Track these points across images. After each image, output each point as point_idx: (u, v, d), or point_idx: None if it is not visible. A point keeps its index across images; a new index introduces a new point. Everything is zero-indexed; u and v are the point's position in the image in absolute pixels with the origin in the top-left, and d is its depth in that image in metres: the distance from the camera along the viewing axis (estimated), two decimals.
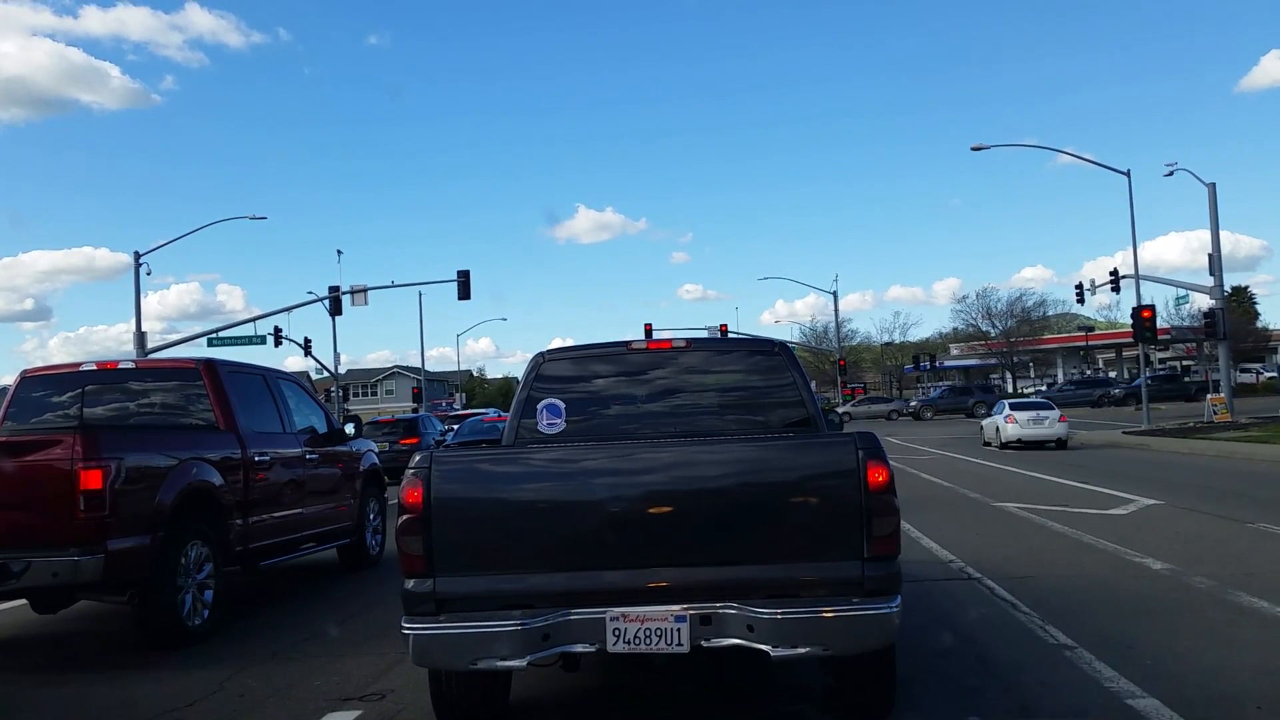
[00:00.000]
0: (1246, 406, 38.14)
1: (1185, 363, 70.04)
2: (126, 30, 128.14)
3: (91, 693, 5.97)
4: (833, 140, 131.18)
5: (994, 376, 72.91)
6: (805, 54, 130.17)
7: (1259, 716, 4.72)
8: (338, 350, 72.59)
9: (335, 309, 39.84)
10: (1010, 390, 61.95)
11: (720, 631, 4.14)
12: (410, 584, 4.28)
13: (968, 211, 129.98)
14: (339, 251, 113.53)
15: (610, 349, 5.96)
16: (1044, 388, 61.78)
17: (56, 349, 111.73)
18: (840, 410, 43.60)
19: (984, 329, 71.09)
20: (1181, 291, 39.21)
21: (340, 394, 55.72)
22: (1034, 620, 6.68)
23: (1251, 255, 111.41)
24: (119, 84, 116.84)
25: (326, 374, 51.92)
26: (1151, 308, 33.58)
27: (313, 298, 40.40)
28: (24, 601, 7.29)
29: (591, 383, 5.87)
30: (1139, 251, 34.68)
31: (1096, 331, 69.82)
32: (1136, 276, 34.44)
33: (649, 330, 51.47)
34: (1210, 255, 32.43)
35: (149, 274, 35.46)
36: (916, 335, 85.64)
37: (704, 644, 4.15)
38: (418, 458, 4.38)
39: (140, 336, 34.50)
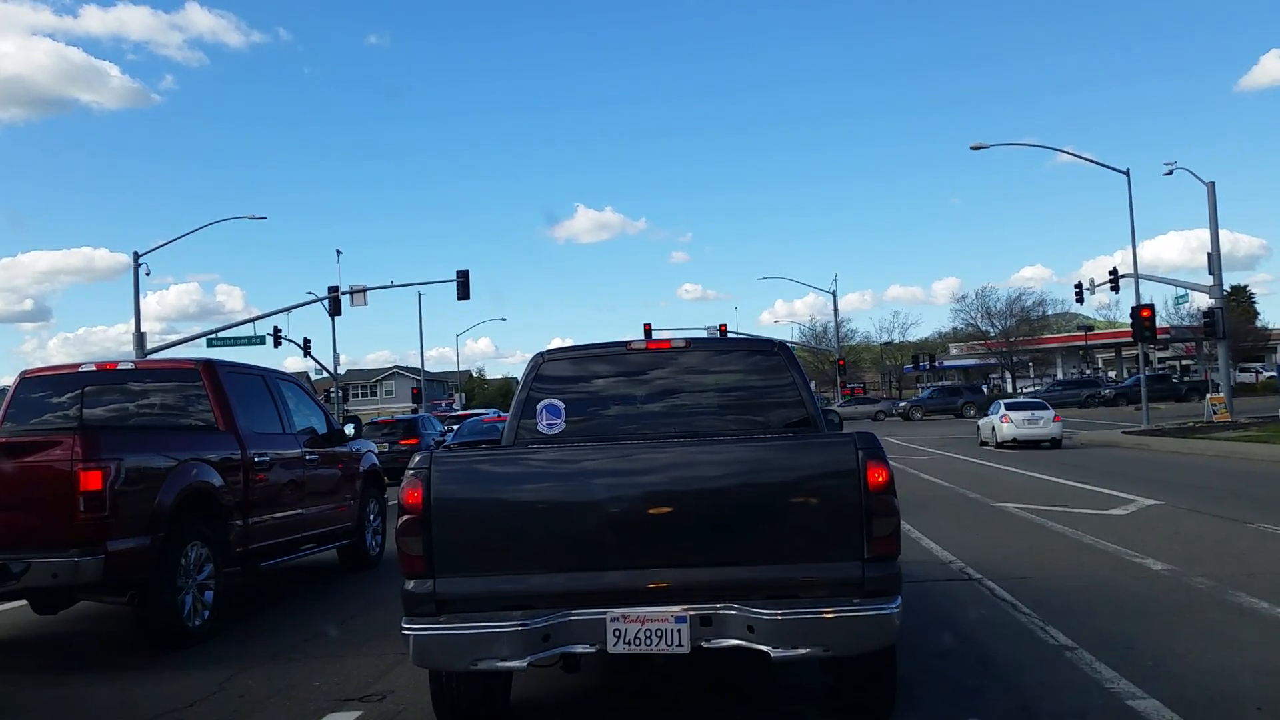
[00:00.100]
0: (1246, 406, 38.12)
1: (1185, 362, 70.08)
2: (126, 30, 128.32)
3: (91, 693, 5.97)
4: (833, 140, 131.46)
5: (993, 376, 72.97)
6: (805, 54, 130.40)
7: (1259, 717, 4.72)
8: (337, 350, 72.68)
9: (334, 309, 39.86)
10: (1010, 390, 61.99)
11: (721, 632, 4.14)
12: (410, 585, 4.28)
13: (967, 211, 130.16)
14: (338, 251, 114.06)
15: (610, 349, 5.96)
16: (1028, 389, 61.47)
17: (56, 349, 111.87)
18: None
19: (983, 329, 71.06)
20: (1181, 291, 39.27)
21: (340, 394, 55.73)
22: (1034, 621, 6.68)
23: (1251, 254, 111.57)
24: (119, 84, 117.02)
25: (326, 374, 51.93)
26: (1151, 307, 33.59)
27: (312, 298, 40.47)
28: (24, 602, 7.28)
29: (591, 383, 5.87)
30: (1138, 251, 34.73)
31: (1096, 331, 69.79)
32: (1136, 276, 34.42)
33: (648, 330, 51.47)
34: (1209, 254, 32.46)
35: (148, 274, 35.51)
36: (916, 335, 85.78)
37: (704, 644, 4.15)
38: (417, 458, 4.38)
39: (139, 337, 34.52)
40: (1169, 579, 8.05)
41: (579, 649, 4.18)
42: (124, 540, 6.44)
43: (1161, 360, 71.86)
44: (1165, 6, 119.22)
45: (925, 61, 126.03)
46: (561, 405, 5.67)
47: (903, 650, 4.78)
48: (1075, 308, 56.52)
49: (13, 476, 6.38)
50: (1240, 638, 6.14)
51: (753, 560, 4.26)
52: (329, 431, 9.96)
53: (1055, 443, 26.51)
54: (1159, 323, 37.25)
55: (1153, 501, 13.33)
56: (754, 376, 5.90)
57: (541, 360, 5.91)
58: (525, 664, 4.13)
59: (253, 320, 40.87)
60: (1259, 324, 70.79)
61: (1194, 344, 60.07)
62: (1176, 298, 41.70)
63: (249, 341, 39.91)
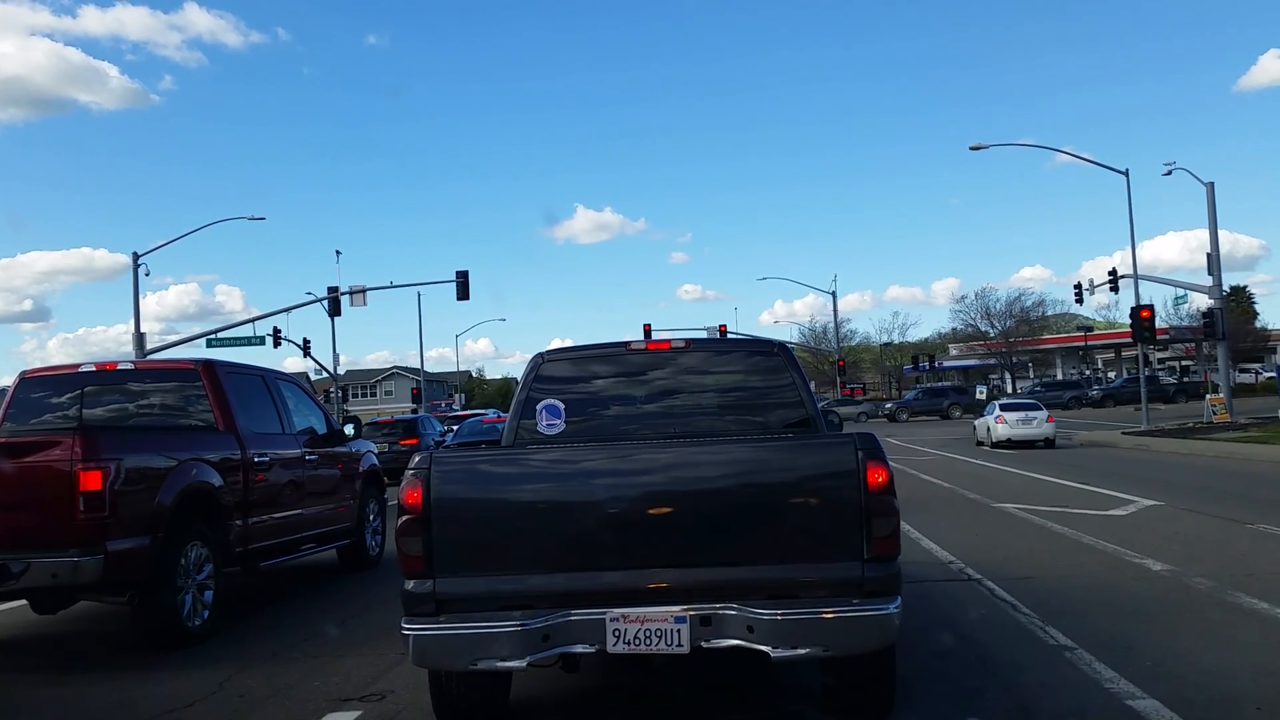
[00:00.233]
0: (1245, 407, 38.11)
1: (1184, 363, 70.11)
2: (125, 30, 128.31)
3: (91, 693, 5.97)
4: (832, 140, 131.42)
5: (993, 377, 72.92)
6: (805, 54, 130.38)
7: (1259, 717, 4.72)
8: (337, 351, 72.47)
9: (334, 310, 39.86)
10: (1010, 390, 61.95)
11: (720, 632, 4.14)
12: (410, 585, 4.28)
13: (967, 211, 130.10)
14: (338, 252, 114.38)
15: (609, 349, 5.96)
16: (1010, 391, 61.21)
17: (55, 350, 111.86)
18: None
19: (983, 329, 71.09)
20: (1180, 291, 39.23)
21: (339, 395, 55.74)
22: (1034, 621, 6.68)
23: (1250, 255, 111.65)
24: (118, 84, 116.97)
25: (325, 375, 51.92)
26: (1150, 307, 33.59)
27: (312, 298, 40.48)
28: (24, 602, 7.28)
29: (591, 383, 5.87)
30: (1138, 251, 34.73)
31: (1095, 331, 69.81)
32: (1135, 276, 34.43)
33: (648, 331, 51.44)
34: (1209, 255, 32.42)
35: (148, 275, 35.48)
36: (915, 335, 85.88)
37: (704, 645, 4.15)
38: (417, 458, 4.38)
39: (139, 337, 34.52)
40: (1169, 579, 8.05)
41: (578, 649, 4.18)
42: (124, 540, 6.45)
43: (1161, 361, 71.88)
44: (1165, 6, 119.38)
45: (925, 61, 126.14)
46: (561, 406, 5.67)
47: (902, 650, 4.78)
48: (1075, 308, 56.55)
49: (12, 476, 6.38)
50: (1240, 638, 6.15)
51: (752, 560, 4.26)
52: (329, 432, 9.96)
53: (1049, 442, 26.96)
54: (1159, 323, 37.30)
55: (1152, 502, 13.33)
56: (754, 377, 5.90)
57: (541, 361, 5.91)
58: (524, 664, 4.13)
59: (252, 321, 40.92)
60: (1258, 324, 70.85)
61: (1193, 344, 60.08)
62: (1176, 298, 41.69)
63: (249, 342, 39.92)
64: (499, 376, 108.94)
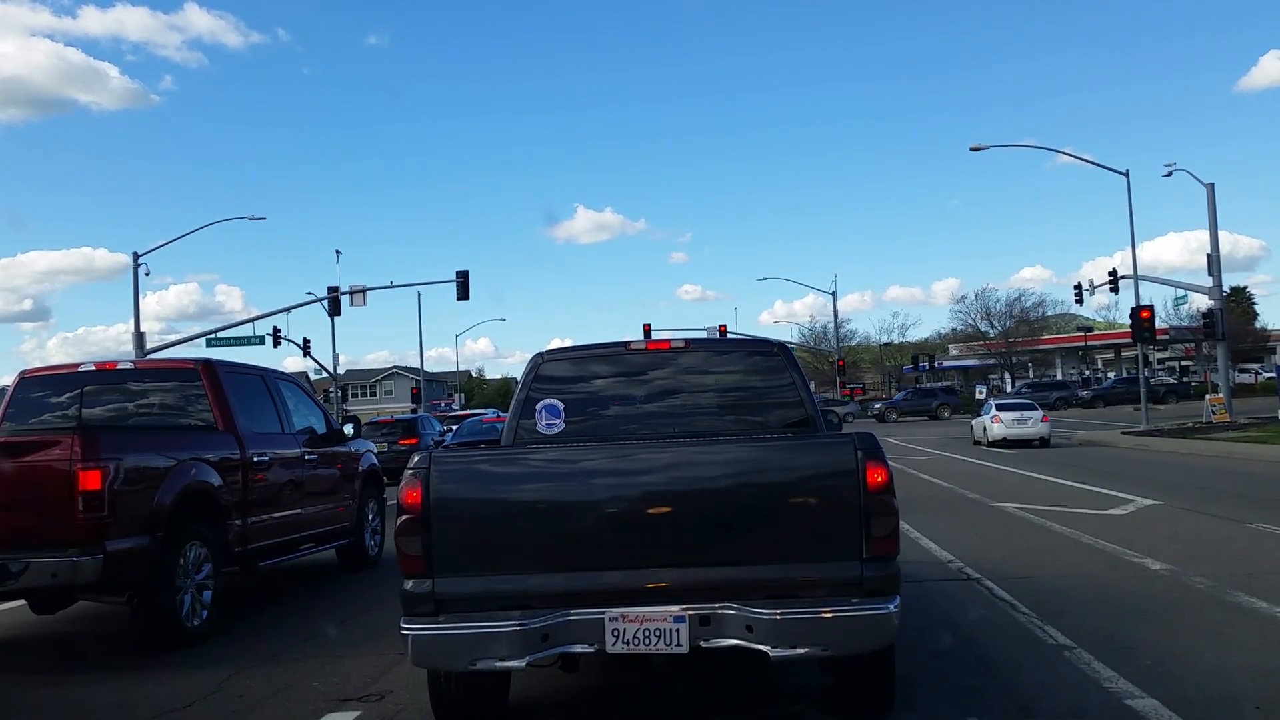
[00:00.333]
0: (1245, 407, 38.12)
1: (1184, 363, 70.16)
2: (125, 30, 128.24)
3: (91, 693, 5.97)
4: (832, 140, 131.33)
5: (993, 377, 72.95)
6: (805, 54, 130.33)
7: (1258, 717, 4.72)
8: (336, 351, 72.46)
9: (334, 309, 39.83)
10: (1009, 390, 61.93)
11: (719, 632, 4.14)
12: (409, 584, 4.28)
13: (966, 212, 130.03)
14: (338, 252, 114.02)
15: (609, 349, 5.96)
16: (994, 391, 60.90)
17: (55, 349, 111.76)
18: None
19: (983, 329, 71.13)
20: (1180, 292, 39.28)
21: (339, 394, 55.73)
22: (1033, 621, 6.69)
23: (1250, 255, 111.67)
24: (118, 84, 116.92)
25: (325, 374, 51.92)
26: (1150, 308, 33.59)
27: (311, 298, 40.44)
28: (24, 602, 7.28)
29: (590, 383, 5.87)
30: (1138, 252, 34.76)
31: (1095, 332, 69.85)
32: (1135, 277, 34.44)
33: (648, 330, 51.41)
34: (1209, 255, 32.43)
35: (148, 274, 35.46)
36: (915, 335, 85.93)
37: (703, 644, 4.15)
38: (417, 458, 4.38)
39: (139, 337, 34.49)
40: (1168, 579, 8.05)
41: (578, 649, 4.18)
42: (123, 540, 6.44)
43: (1161, 361, 71.94)
44: (1165, 7, 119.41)
45: (925, 61, 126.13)
46: (561, 405, 5.67)
47: (902, 650, 4.79)
48: (1075, 309, 56.56)
49: (12, 476, 6.38)
50: (1239, 637, 6.15)
51: (752, 560, 4.26)
52: (328, 431, 9.96)
53: (1044, 442, 27.26)
54: (1159, 324, 37.32)
55: (1152, 501, 13.34)
56: (753, 377, 5.90)
57: (541, 360, 5.91)
58: (524, 664, 4.13)
59: (252, 320, 40.87)
60: (1258, 325, 70.93)
61: (1193, 345, 60.12)
62: (1176, 299, 41.78)
63: (248, 342, 39.91)
64: (499, 376, 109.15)
